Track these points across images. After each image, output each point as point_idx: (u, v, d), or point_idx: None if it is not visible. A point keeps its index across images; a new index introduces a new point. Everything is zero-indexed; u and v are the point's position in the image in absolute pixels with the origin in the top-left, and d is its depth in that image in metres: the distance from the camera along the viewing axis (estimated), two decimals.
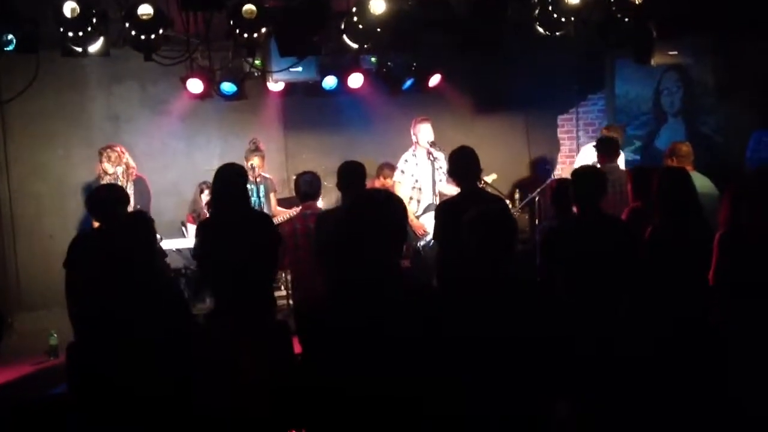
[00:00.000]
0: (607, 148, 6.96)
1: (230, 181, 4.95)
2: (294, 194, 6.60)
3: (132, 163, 7.35)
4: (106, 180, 7.12)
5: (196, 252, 5.13)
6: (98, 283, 4.05)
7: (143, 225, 4.11)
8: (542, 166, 9.78)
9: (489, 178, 7.47)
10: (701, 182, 6.13)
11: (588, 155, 8.10)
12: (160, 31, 5.77)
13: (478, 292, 3.44)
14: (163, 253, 7.41)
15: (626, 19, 6.16)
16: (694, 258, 4.64)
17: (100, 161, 7.26)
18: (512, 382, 3.25)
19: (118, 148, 7.31)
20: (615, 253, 4.61)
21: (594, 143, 8.20)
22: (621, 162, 8.06)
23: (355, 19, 6.07)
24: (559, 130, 10.23)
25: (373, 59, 8.71)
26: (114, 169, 7.16)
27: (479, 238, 3.47)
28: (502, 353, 3.27)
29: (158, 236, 4.70)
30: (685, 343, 4.51)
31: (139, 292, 3.75)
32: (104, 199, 5.09)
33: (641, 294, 4.77)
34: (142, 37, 5.75)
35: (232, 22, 5.73)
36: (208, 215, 7.44)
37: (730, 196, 4.80)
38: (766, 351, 4.19)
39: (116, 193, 5.28)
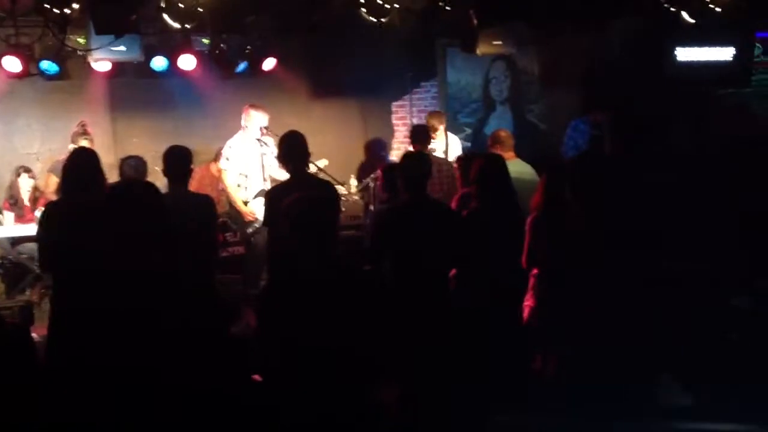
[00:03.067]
0: (419, 136, 7.17)
1: (81, 166, 4.78)
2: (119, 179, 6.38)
3: None
4: None
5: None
6: None
7: None
8: (377, 151, 9.90)
9: (320, 163, 7.48)
10: (522, 168, 6.39)
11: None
12: None
13: (299, 279, 3.44)
14: None
15: (447, 8, 6.32)
16: (506, 242, 4.85)
17: None
18: (333, 368, 3.27)
19: None
20: (439, 235, 4.74)
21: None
22: (458, 145, 8.31)
23: None
24: (393, 116, 10.36)
25: (205, 40, 8.50)
26: None
27: (292, 224, 3.47)
28: (320, 339, 3.28)
29: None
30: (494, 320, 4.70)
31: None
32: None
33: (463, 275, 4.94)
34: None
35: None
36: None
37: (543, 183, 5.04)
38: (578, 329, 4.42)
39: None
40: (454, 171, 6.88)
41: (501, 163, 5.19)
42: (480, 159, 5.31)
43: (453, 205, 5.54)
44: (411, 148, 7.66)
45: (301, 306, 3.32)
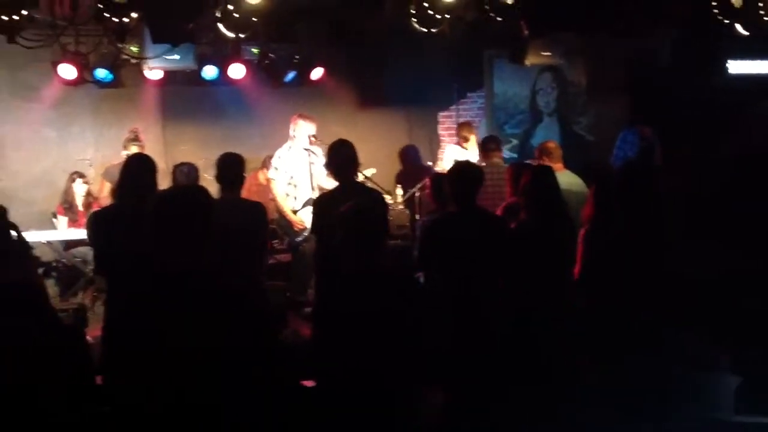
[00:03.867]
0: (489, 146, 7.19)
1: (136, 172, 4.89)
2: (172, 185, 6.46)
3: None
4: None
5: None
6: None
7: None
8: (414, 158, 9.97)
9: (368, 172, 7.51)
10: (571, 180, 6.35)
11: (452, 154, 8.32)
12: (24, 12, 5.52)
13: (347, 285, 3.48)
14: (27, 246, 7.11)
15: (499, 18, 6.32)
16: (557, 253, 4.82)
17: None
18: (379, 371, 3.30)
19: None
20: (488, 246, 4.73)
21: (455, 143, 8.47)
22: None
23: (231, 7, 5.97)
24: (439, 126, 10.42)
25: (254, 50, 8.62)
26: None
27: (346, 232, 3.51)
28: (369, 345, 3.31)
29: (13, 232, 4.43)
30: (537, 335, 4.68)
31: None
32: None
33: (509, 287, 4.92)
34: (4, 17, 5.49)
35: (100, 5, 5.53)
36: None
37: (593, 195, 5.01)
38: (624, 342, 4.39)
39: None
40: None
41: (551, 174, 5.15)
42: (530, 170, 5.29)
43: (499, 212, 5.54)
44: (452, 158, 7.71)
45: (351, 312, 3.36)
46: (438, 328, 4.08)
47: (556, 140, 8.09)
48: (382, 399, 3.33)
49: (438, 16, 6.43)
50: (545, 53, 7.55)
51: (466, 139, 8.33)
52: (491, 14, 6.26)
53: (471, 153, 8.14)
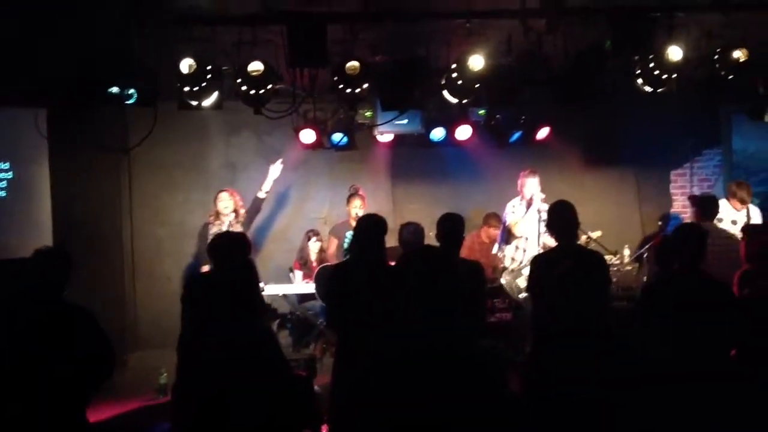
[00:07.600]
0: (704, 206, 6.74)
1: (369, 231, 5.16)
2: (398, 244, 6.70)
3: (241, 206, 7.80)
4: (216, 224, 7.54)
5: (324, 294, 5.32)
6: (203, 322, 4.19)
7: (251, 272, 4.29)
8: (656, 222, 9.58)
9: (594, 234, 7.38)
10: None
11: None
12: (269, 86, 6.07)
13: (562, 344, 3.46)
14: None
15: (730, 77, 6.02)
16: None
17: (214, 203, 7.71)
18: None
19: (228, 192, 7.78)
20: (712, 312, 4.48)
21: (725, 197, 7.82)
22: (757, 215, 7.70)
23: (455, 75, 6.18)
24: (671, 185, 9.96)
25: (480, 111, 8.79)
26: (226, 212, 7.62)
27: (564, 292, 3.50)
28: (585, 409, 3.26)
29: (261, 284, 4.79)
30: None
31: (240, 337, 3.87)
32: (222, 245, 5.18)
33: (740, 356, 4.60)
34: (252, 91, 6.06)
35: (336, 78, 5.97)
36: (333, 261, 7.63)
37: None
38: None
39: (236, 241, 5.36)
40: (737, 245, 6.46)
41: None
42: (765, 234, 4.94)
43: (735, 280, 5.20)
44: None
45: (564, 373, 3.33)
46: (656, 396, 3.90)
47: None
48: None
49: (664, 76, 6.24)
50: None
51: (744, 202, 7.72)
52: (722, 73, 5.99)
53: (741, 214, 7.56)
